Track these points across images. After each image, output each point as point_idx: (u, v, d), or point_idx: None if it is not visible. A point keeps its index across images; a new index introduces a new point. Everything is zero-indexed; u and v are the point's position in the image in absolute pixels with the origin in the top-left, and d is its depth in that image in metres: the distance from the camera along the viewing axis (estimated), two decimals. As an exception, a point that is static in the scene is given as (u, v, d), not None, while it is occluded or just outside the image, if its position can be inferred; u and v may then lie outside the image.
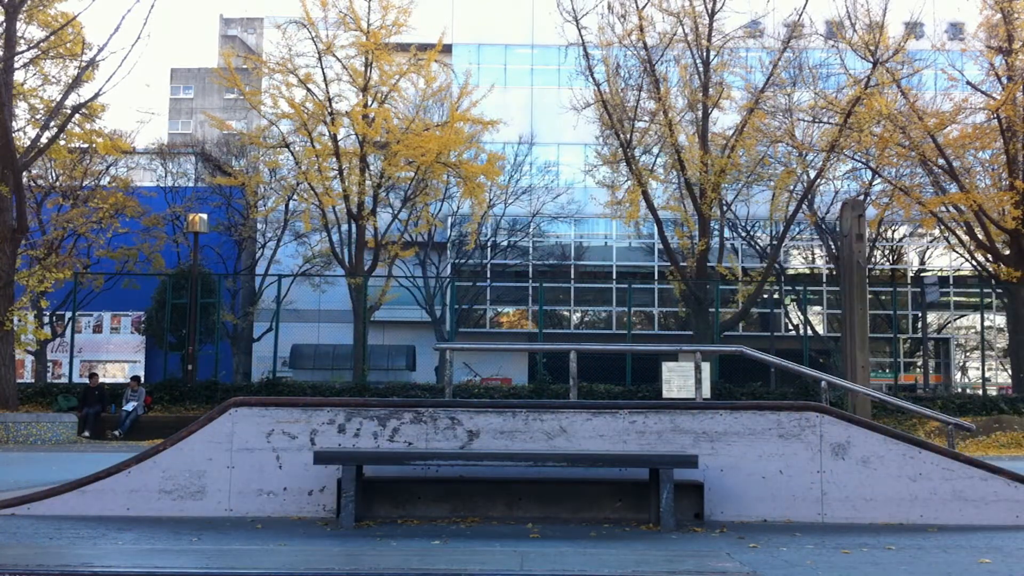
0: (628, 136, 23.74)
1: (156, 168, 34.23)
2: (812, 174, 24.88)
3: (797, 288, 31.46)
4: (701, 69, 24.17)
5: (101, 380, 21.88)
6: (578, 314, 38.71)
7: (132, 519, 5.41)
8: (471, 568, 3.71)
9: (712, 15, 23.91)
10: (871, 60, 22.51)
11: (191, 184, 34.17)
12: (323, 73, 24.27)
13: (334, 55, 24.23)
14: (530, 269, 37.21)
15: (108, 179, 28.92)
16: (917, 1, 24.44)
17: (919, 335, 34.43)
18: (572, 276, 38.19)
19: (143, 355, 31.99)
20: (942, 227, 25.36)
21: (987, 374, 31.81)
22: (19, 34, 19.70)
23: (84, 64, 20.41)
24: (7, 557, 3.86)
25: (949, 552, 4.58)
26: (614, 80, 24.31)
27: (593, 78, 23.96)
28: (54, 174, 27.83)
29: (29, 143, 20.45)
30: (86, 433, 18.87)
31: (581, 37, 23.73)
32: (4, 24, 19.00)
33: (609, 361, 24.31)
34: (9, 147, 18.20)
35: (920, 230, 31.79)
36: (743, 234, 32.01)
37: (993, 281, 24.83)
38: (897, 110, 22.73)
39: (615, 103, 23.85)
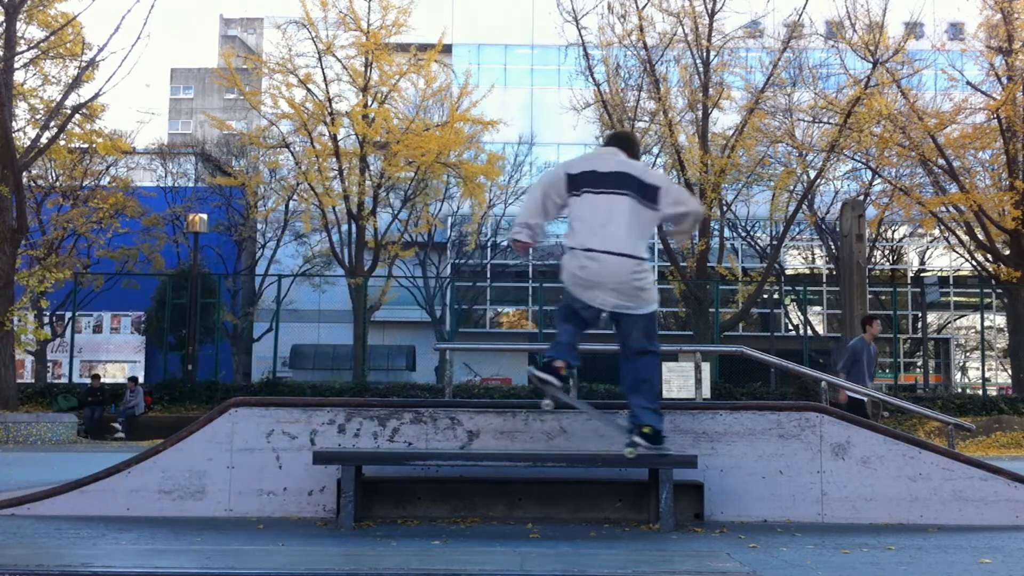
0: (628, 136, 23.72)
1: (156, 168, 34.25)
2: (812, 174, 24.88)
3: (797, 288, 31.46)
4: (701, 69, 24.16)
5: (102, 380, 21.91)
6: (578, 314, 38.66)
7: (132, 519, 5.41)
8: (471, 568, 3.71)
9: (712, 15, 23.90)
10: (871, 60, 22.51)
11: (191, 184, 34.20)
12: (323, 73, 24.27)
13: (334, 55, 24.24)
14: (530, 269, 37.20)
15: (108, 179, 28.94)
16: (917, 1, 24.46)
17: (919, 335, 34.43)
18: (572, 276, 38.14)
19: (143, 355, 32.01)
20: (942, 227, 25.36)
21: (987, 374, 31.81)
22: (19, 34, 19.70)
23: (84, 64, 20.41)
24: (7, 557, 3.86)
25: (949, 552, 4.58)
26: (614, 80, 24.31)
27: (593, 78, 23.96)
28: (54, 174, 27.84)
29: (29, 143, 20.46)
30: (90, 433, 18.88)
31: (581, 37, 23.73)
32: (4, 24, 19.00)
33: (609, 361, 24.30)
34: (9, 147, 18.20)
35: (920, 230, 31.79)
36: (743, 234, 32.00)
37: (993, 281, 24.83)
38: (897, 110, 22.73)
39: (615, 103, 23.85)
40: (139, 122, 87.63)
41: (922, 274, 35.48)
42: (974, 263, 26.25)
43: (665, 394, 18.91)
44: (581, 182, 5.00)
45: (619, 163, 5.07)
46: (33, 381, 26.55)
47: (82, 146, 24.61)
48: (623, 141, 5.29)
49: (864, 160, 24.69)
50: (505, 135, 29.22)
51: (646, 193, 4.98)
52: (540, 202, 5.11)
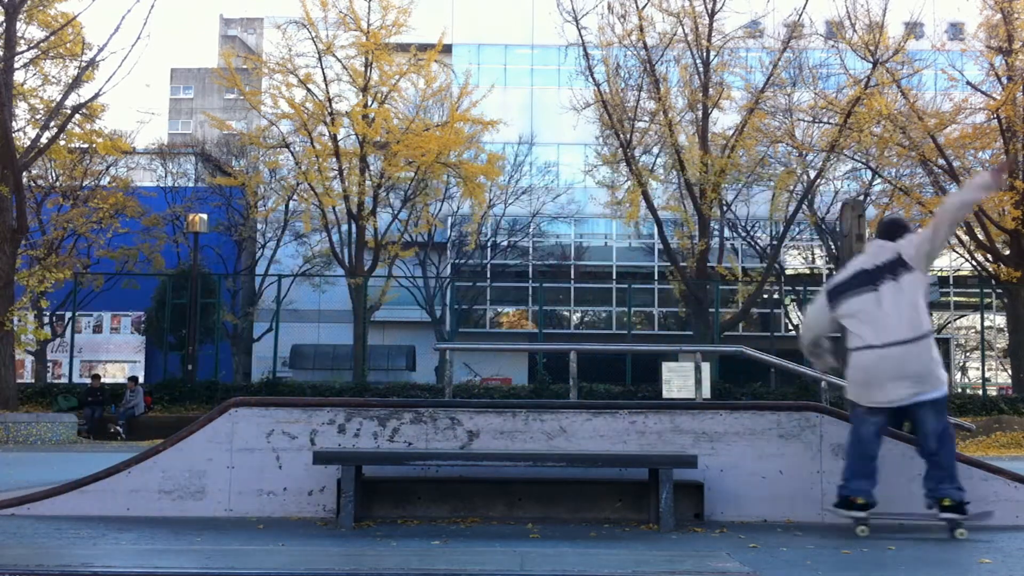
0: (628, 136, 23.73)
1: (156, 168, 34.25)
2: (812, 174, 24.88)
3: (797, 288, 31.45)
4: (701, 69, 24.15)
5: (102, 380, 21.91)
6: (578, 314, 38.70)
7: (132, 519, 5.41)
8: (471, 568, 3.71)
9: (712, 15, 23.89)
10: (871, 60, 22.50)
11: (191, 184, 34.20)
12: (323, 73, 24.26)
13: (334, 55, 24.23)
14: (530, 269, 37.20)
15: (108, 179, 28.93)
16: (917, 1, 24.44)
17: (919, 335, 34.35)
18: (572, 276, 38.18)
19: (143, 355, 32.00)
20: (942, 227, 25.30)
21: (987, 374, 31.79)
22: (19, 34, 19.69)
23: (84, 64, 20.40)
24: (7, 557, 3.86)
25: (949, 552, 4.58)
26: (614, 80, 24.29)
27: (593, 78, 23.94)
28: (54, 174, 27.84)
29: (29, 143, 20.45)
30: (90, 433, 18.87)
31: (581, 37, 23.72)
32: (4, 24, 18.99)
33: (609, 361, 24.33)
34: (9, 147, 18.19)
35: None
36: (743, 234, 31.99)
37: (993, 281, 24.82)
38: (897, 110, 22.72)
39: (615, 103, 23.83)
40: (139, 122, 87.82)
41: (922, 274, 35.41)
42: (974, 263, 26.23)
43: (665, 394, 18.91)
44: (853, 284, 5.22)
45: (881, 251, 5.22)
46: (33, 381, 26.55)
47: (82, 146, 24.60)
48: (883, 231, 5.37)
49: (864, 160, 24.69)
50: (505, 135, 29.21)
51: (904, 265, 5.13)
52: (813, 331, 5.60)
